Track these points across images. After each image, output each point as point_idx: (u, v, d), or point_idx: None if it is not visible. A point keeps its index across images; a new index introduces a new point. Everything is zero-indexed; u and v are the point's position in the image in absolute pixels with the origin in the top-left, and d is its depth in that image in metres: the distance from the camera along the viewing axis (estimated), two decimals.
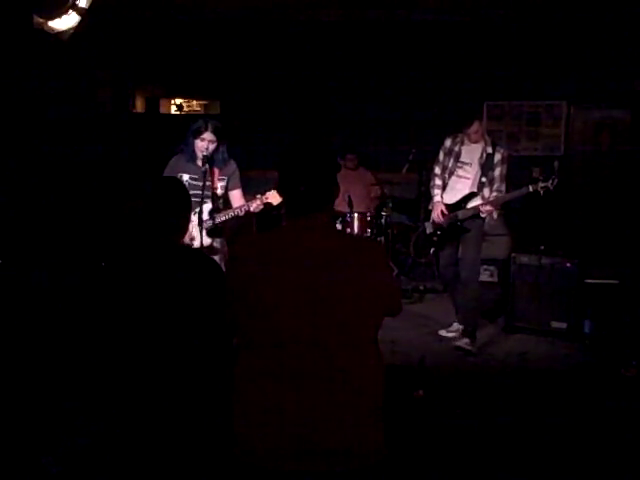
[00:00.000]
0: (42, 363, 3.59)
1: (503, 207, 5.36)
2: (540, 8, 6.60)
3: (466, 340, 4.97)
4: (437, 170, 5.21)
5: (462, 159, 5.08)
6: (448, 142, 5.16)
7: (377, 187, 6.96)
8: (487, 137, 5.10)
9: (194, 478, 2.20)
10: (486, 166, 4.99)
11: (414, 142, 7.12)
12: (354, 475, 1.83)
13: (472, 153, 5.04)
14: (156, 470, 2.15)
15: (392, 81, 7.66)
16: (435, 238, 5.19)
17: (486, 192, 5.00)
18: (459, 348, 4.95)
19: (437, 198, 5.17)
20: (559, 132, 7.75)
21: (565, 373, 4.59)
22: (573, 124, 7.71)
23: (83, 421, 2.74)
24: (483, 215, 4.95)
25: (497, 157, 4.97)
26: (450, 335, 5.30)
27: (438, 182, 5.19)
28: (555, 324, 5.37)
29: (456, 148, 5.10)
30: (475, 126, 4.96)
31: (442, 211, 5.09)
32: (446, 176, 5.15)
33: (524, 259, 5.55)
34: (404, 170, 6.73)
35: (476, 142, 5.02)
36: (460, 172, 5.09)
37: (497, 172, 4.96)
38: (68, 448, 2.88)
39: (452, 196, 5.12)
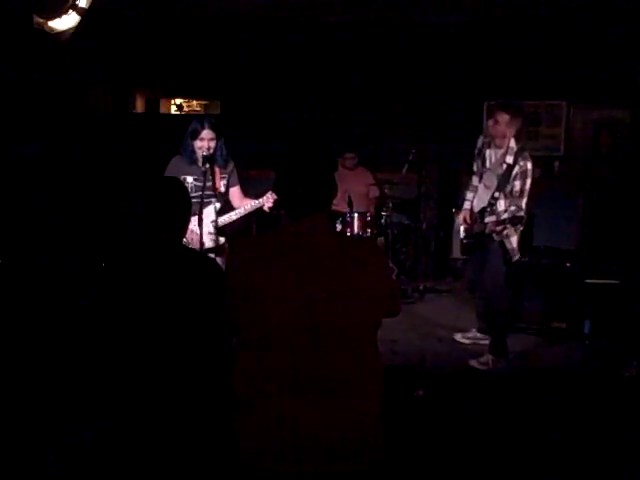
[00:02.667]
0: (43, 363, 3.59)
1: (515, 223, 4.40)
2: (540, 8, 6.59)
3: (487, 358, 4.59)
4: (474, 167, 4.89)
5: (486, 164, 4.71)
6: (479, 141, 4.82)
7: (377, 187, 6.95)
8: (513, 144, 4.52)
9: (194, 478, 2.21)
10: (503, 178, 4.49)
11: (414, 142, 7.11)
12: (354, 476, 1.83)
13: (493, 160, 4.65)
14: (156, 470, 2.16)
15: (392, 81, 7.66)
16: (464, 242, 4.99)
17: (500, 207, 4.52)
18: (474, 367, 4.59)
19: (465, 205, 4.91)
20: (559, 132, 7.74)
21: (565, 373, 4.59)
22: (573, 124, 7.70)
23: (83, 420, 2.75)
24: (497, 238, 4.48)
25: (515, 170, 4.42)
26: (466, 342, 5.08)
27: (475, 182, 4.87)
28: (555, 324, 5.37)
29: (483, 150, 4.73)
30: (500, 121, 4.42)
31: (465, 218, 4.87)
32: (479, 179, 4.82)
33: (524, 259, 5.55)
34: (404, 170, 6.72)
35: (500, 147, 4.56)
36: (484, 178, 4.72)
37: (516, 187, 4.42)
38: (68, 448, 2.88)
39: (477, 205, 4.80)
